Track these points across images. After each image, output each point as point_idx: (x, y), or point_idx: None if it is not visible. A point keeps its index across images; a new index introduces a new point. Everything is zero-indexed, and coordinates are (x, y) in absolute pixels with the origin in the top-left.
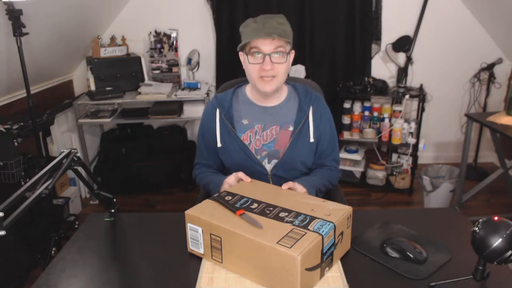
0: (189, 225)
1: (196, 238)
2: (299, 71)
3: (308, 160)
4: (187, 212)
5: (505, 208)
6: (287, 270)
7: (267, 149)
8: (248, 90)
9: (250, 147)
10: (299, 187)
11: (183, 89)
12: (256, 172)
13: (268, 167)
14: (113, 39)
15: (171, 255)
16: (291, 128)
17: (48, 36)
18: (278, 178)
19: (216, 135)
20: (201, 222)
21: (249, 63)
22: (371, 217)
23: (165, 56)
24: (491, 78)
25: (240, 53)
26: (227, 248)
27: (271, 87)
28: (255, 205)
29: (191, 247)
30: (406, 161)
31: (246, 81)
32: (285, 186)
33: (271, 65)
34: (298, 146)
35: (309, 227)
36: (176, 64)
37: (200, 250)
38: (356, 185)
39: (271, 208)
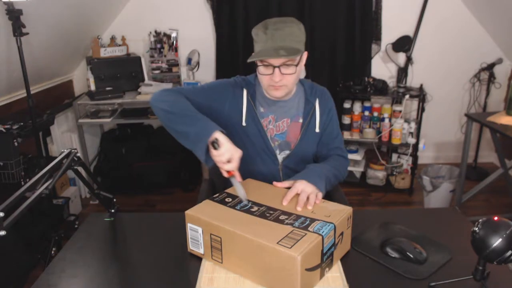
0: (189, 225)
1: (196, 238)
2: None
3: (314, 150)
4: (187, 212)
5: (505, 208)
6: (287, 270)
7: (279, 139)
8: None
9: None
10: (303, 187)
11: None
12: (268, 161)
13: (279, 157)
14: (113, 39)
15: (171, 255)
16: (301, 120)
17: (48, 36)
18: (288, 170)
19: (241, 112)
20: (201, 222)
21: (259, 73)
22: (371, 217)
23: (165, 56)
24: (491, 78)
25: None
26: (227, 248)
27: (280, 93)
28: (255, 208)
29: (191, 247)
30: (406, 161)
31: (254, 73)
32: (280, 184)
33: (281, 76)
34: (308, 137)
35: (309, 229)
36: (176, 64)
37: (200, 250)
38: (356, 185)
39: (271, 211)
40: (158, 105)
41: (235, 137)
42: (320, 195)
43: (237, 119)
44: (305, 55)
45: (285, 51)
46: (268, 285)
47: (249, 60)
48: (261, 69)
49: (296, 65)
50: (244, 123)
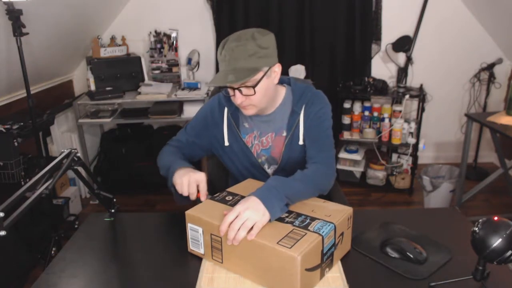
0: (189, 225)
1: (196, 238)
2: (299, 71)
3: (305, 163)
4: (188, 212)
5: (505, 208)
6: (287, 270)
7: (265, 154)
8: None
9: (252, 151)
10: (241, 210)
11: (183, 89)
12: (259, 176)
13: (269, 171)
14: (113, 39)
15: (171, 255)
16: (285, 134)
17: (48, 36)
18: None
19: (222, 133)
20: (201, 222)
21: None
22: (371, 217)
23: (165, 56)
24: (491, 78)
25: None
26: (228, 248)
27: (249, 112)
28: None
29: (192, 247)
30: (406, 161)
31: None
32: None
33: (242, 98)
34: (292, 151)
35: (309, 228)
36: (176, 64)
37: (200, 250)
38: (356, 185)
39: None
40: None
41: (223, 157)
42: (261, 223)
43: (221, 139)
44: (276, 67)
45: (234, 75)
46: (268, 285)
47: (207, 85)
48: (228, 90)
49: (255, 86)
50: (226, 143)
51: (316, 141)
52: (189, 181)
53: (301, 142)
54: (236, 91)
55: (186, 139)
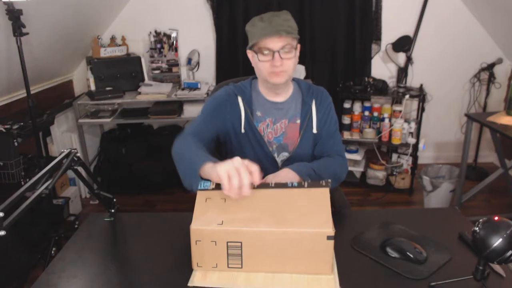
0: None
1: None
2: (299, 71)
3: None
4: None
5: (505, 208)
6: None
7: (276, 142)
8: (259, 84)
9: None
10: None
11: (183, 89)
12: (268, 165)
13: (278, 160)
14: (113, 39)
15: (171, 255)
16: (298, 121)
17: (48, 36)
18: None
19: (240, 119)
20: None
21: (259, 61)
22: (371, 217)
23: (165, 56)
24: (491, 78)
25: (248, 51)
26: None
27: (281, 80)
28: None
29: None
30: (406, 161)
31: (248, 79)
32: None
33: (281, 61)
34: (306, 139)
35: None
36: (176, 64)
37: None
38: (356, 185)
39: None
40: (173, 159)
41: (235, 144)
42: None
43: (237, 126)
44: (298, 47)
45: (285, 32)
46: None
47: (250, 44)
48: (260, 57)
49: (295, 49)
50: (242, 130)
51: (332, 136)
52: (238, 169)
53: (314, 131)
54: (276, 54)
55: (200, 133)
